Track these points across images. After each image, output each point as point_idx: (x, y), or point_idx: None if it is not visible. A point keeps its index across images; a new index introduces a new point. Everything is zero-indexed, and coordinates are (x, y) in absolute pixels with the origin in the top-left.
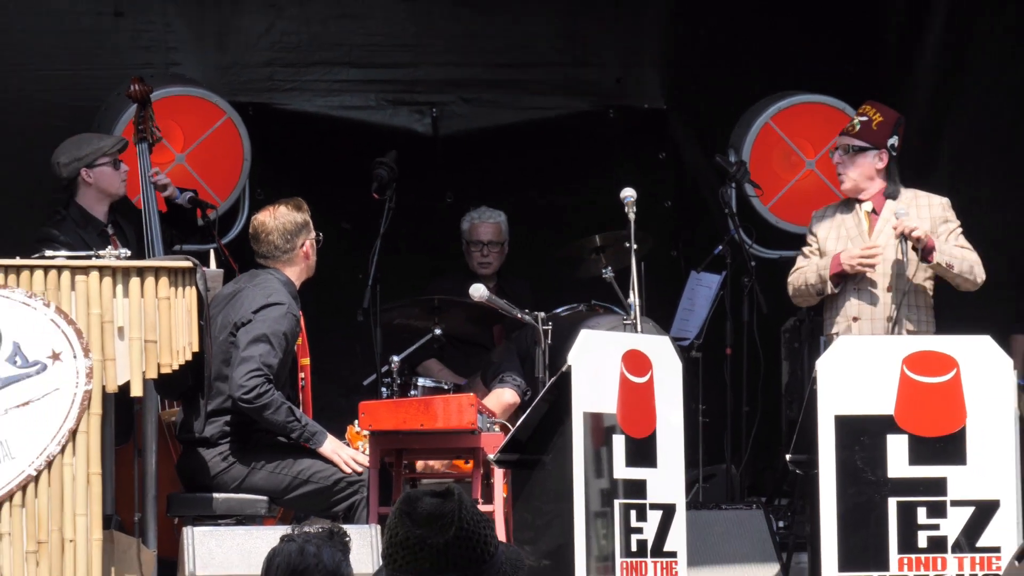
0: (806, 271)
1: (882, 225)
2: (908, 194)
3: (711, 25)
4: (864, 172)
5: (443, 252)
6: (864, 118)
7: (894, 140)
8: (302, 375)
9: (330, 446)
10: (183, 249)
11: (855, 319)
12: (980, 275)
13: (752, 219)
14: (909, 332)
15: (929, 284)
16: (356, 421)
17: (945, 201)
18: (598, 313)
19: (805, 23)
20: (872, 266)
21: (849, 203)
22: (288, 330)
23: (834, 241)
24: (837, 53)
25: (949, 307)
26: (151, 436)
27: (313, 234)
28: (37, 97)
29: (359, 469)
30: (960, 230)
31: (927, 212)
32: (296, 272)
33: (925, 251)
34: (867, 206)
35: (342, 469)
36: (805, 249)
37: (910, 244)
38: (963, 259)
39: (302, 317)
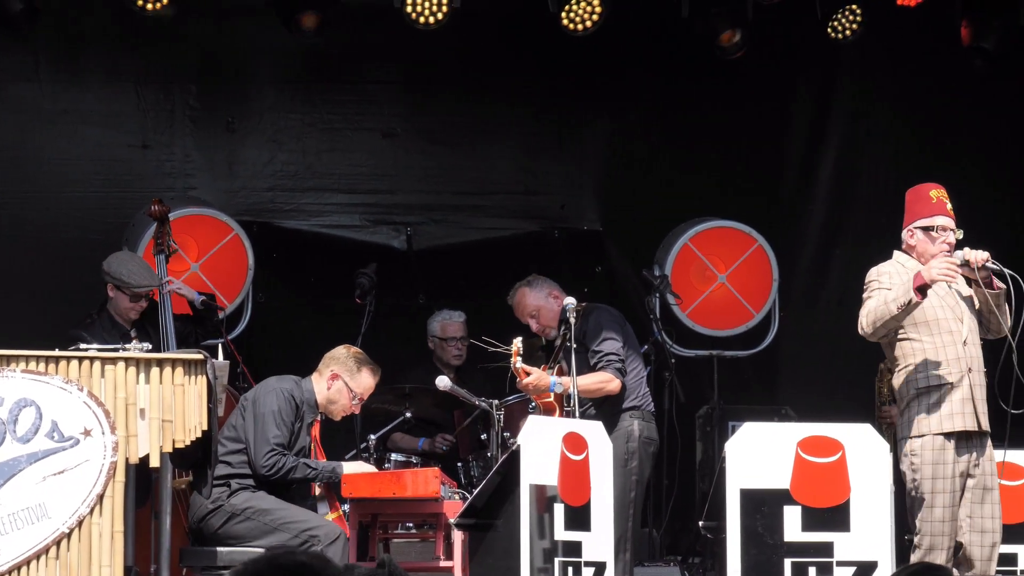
0: (885, 295)
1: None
2: None
3: (640, 161)
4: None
5: (414, 346)
6: (950, 204)
7: None
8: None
9: (350, 470)
10: (198, 344)
11: (970, 370)
12: (1008, 323)
13: (673, 323)
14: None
15: None
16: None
17: None
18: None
19: (716, 161)
20: (954, 277)
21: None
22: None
23: (927, 299)
24: (744, 186)
25: None
26: (166, 500)
27: (349, 387)
28: (75, 215)
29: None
30: None
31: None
32: (320, 389)
33: (993, 281)
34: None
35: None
36: (873, 292)
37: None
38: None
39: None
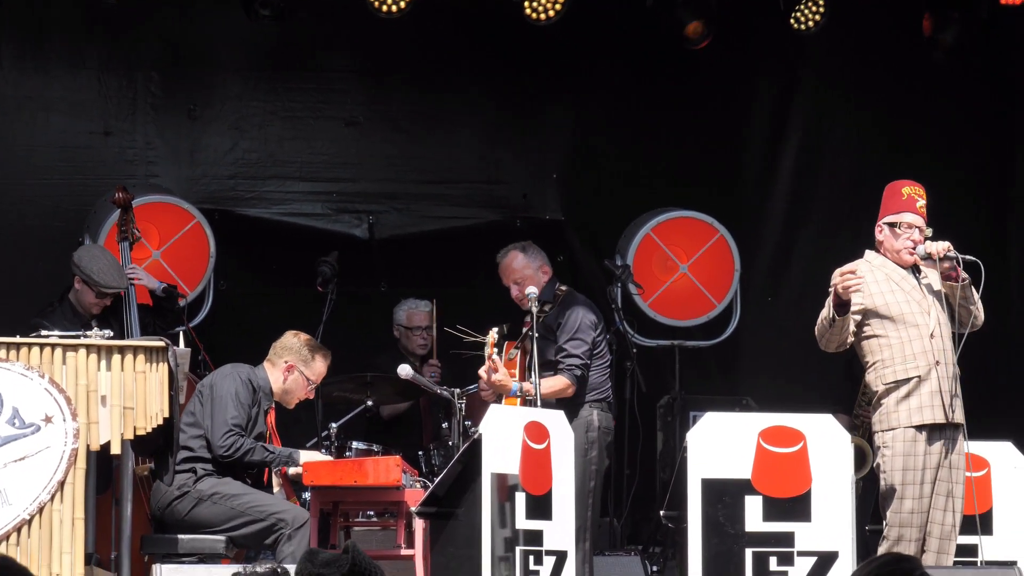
0: (822, 312)
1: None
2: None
3: (601, 153)
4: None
5: (376, 334)
6: (923, 201)
7: None
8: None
9: (306, 457)
10: (158, 334)
11: (937, 363)
12: (982, 317)
13: (634, 313)
14: (957, 376)
15: None
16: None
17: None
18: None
19: (678, 152)
20: (852, 286)
21: (888, 264)
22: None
23: (889, 295)
24: (706, 177)
25: None
26: (127, 487)
27: (305, 376)
28: (38, 202)
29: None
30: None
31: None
32: (275, 378)
33: (956, 270)
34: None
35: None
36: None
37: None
38: (973, 291)
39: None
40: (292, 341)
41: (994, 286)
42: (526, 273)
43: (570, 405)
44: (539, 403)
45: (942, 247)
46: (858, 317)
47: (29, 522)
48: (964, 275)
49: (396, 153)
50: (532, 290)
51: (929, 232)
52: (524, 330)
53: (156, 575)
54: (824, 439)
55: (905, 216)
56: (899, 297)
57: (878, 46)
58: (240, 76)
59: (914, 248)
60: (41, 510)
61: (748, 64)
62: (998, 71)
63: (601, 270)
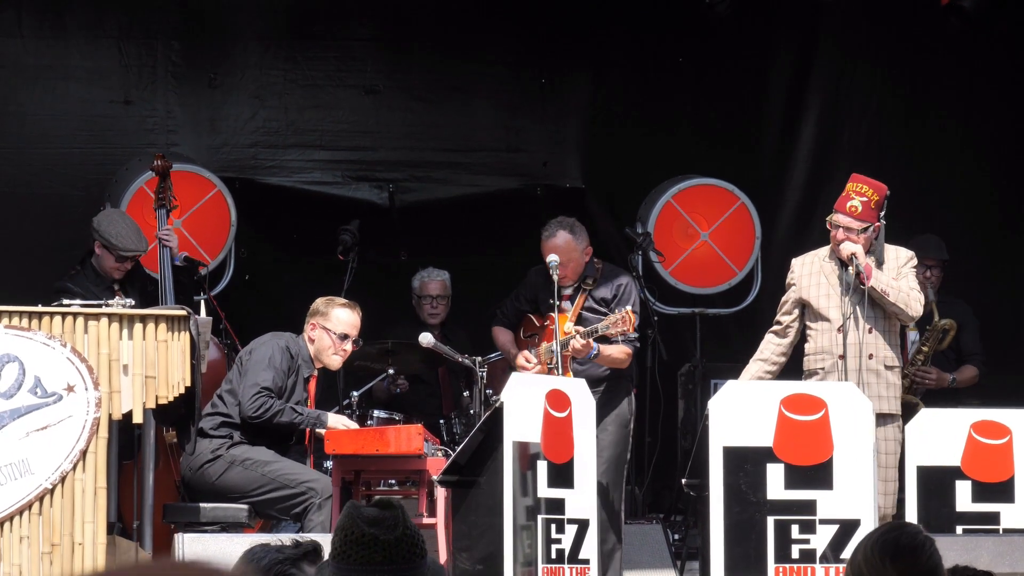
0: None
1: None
2: (890, 250)
3: (622, 119)
4: (863, 246)
5: (397, 303)
6: (863, 199)
7: (883, 212)
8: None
9: (332, 422)
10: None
11: (841, 356)
12: (915, 309)
13: (655, 281)
14: (887, 367)
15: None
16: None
17: (911, 254)
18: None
19: (698, 119)
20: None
21: (830, 256)
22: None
23: (815, 288)
24: (726, 144)
25: None
26: (149, 456)
27: (327, 329)
28: (58, 171)
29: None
30: (912, 274)
31: (894, 263)
32: (307, 343)
33: (860, 276)
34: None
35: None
36: (783, 304)
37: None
38: (899, 291)
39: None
40: (315, 303)
41: (1012, 255)
42: (572, 256)
43: (617, 376)
44: (558, 355)
45: (846, 252)
46: (795, 310)
47: (52, 491)
48: (871, 283)
49: (416, 121)
50: (553, 258)
51: (860, 225)
52: (551, 301)
53: (179, 544)
54: (846, 407)
55: (835, 214)
56: (821, 291)
57: (897, 14)
58: (260, 44)
59: (839, 245)
60: (63, 479)
61: (768, 31)
62: (1017, 38)
63: (622, 238)
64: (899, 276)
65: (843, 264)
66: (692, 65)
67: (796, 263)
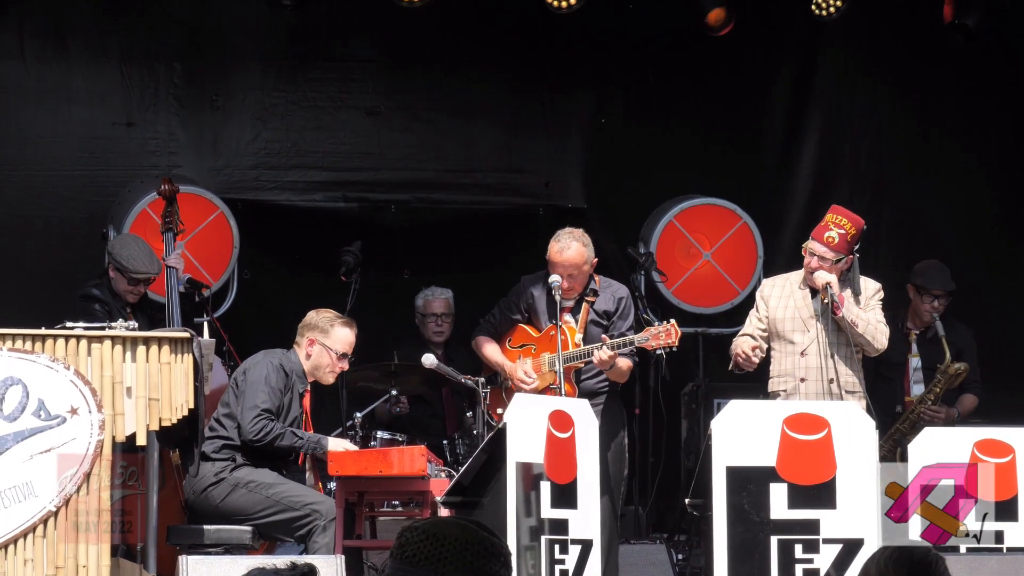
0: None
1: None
2: (860, 281)
3: (623, 140)
4: (836, 275)
5: (401, 322)
6: (841, 231)
7: (857, 245)
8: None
9: (333, 445)
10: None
11: (803, 380)
12: (880, 342)
13: (658, 301)
14: (847, 392)
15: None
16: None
17: (878, 286)
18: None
19: (701, 139)
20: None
21: (800, 281)
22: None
23: (781, 310)
24: (728, 163)
25: None
26: (153, 478)
27: (327, 347)
28: (60, 193)
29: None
30: (879, 307)
31: (864, 295)
32: (302, 357)
33: (833, 305)
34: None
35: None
36: (752, 314)
37: (828, 301)
38: (868, 322)
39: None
40: (311, 317)
41: (1014, 270)
42: (583, 270)
43: (609, 391)
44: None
45: (821, 281)
46: (764, 332)
47: (55, 514)
48: (842, 313)
49: (417, 142)
50: (556, 278)
51: (832, 255)
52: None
53: (182, 566)
54: (849, 426)
55: (811, 242)
56: (787, 314)
57: (898, 31)
58: (262, 66)
59: (811, 273)
60: (67, 502)
61: (769, 50)
62: (1019, 55)
63: (624, 258)
64: (866, 308)
65: (813, 291)
66: (693, 85)
67: (767, 283)
